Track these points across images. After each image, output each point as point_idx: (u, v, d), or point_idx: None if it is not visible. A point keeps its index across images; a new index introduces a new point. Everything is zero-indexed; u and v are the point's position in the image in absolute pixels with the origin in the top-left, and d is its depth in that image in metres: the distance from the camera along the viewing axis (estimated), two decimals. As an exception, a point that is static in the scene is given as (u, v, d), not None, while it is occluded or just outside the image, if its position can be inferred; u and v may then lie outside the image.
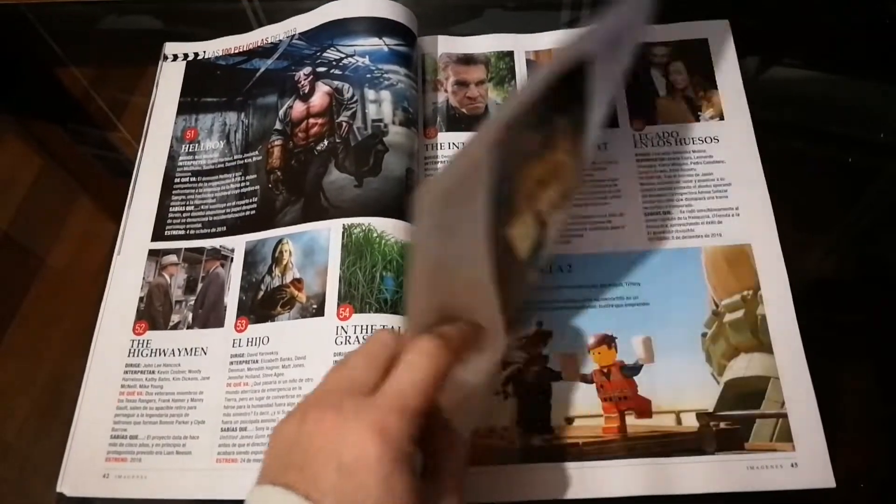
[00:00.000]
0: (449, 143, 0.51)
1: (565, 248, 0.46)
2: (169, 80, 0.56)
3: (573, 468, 0.40)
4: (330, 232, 0.46)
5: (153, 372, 0.45)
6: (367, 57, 0.52)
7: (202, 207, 0.50)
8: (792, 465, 0.39)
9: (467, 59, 0.54)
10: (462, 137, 0.51)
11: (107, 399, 0.44)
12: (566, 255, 0.46)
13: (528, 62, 0.54)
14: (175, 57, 0.57)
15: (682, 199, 0.48)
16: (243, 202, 0.50)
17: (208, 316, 0.46)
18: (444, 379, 0.31)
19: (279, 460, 0.30)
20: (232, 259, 0.48)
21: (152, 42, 0.58)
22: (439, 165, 0.50)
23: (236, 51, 0.56)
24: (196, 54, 0.57)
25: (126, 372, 0.45)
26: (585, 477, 0.40)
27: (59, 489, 0.41)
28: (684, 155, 0.49)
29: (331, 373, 0.33)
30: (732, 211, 0.47)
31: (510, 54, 0.54)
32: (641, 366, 0.43)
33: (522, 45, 0.55)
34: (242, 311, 0.46)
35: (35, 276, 0.50)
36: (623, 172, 0.49)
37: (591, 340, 0.44)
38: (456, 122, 0.52)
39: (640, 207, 0.48)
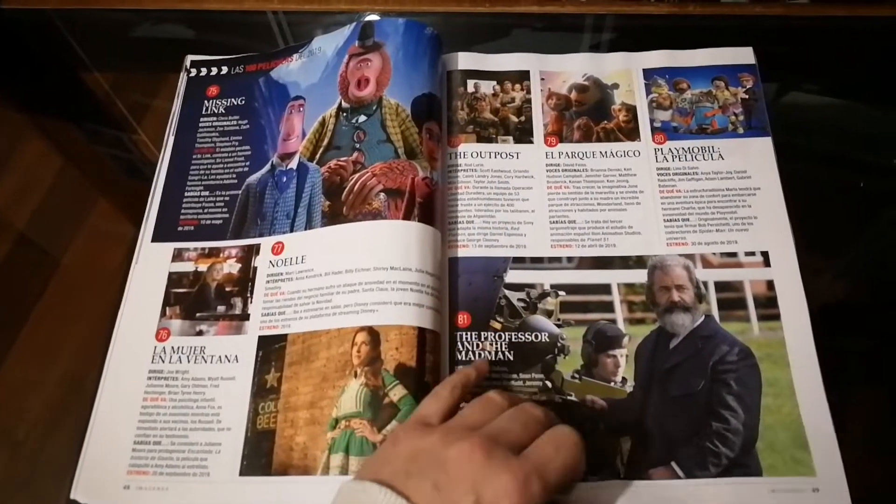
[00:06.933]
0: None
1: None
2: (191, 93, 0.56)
3: (590, 488, 0.40)
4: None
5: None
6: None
7: None
8: (813, 490, 0.39)
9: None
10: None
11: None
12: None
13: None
14: (196, 72, 0.57)
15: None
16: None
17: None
18: (578, 474, 0.33)
19: (399, 465, 0.31)
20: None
21: (175, 50, 0.58)
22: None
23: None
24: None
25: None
26: (604, 496, 0.39)
27: (72, 496, 0.40)
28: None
29: (473, 409, 0.35)
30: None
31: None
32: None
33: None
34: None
35: (52, 277, 0.50)
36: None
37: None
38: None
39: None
